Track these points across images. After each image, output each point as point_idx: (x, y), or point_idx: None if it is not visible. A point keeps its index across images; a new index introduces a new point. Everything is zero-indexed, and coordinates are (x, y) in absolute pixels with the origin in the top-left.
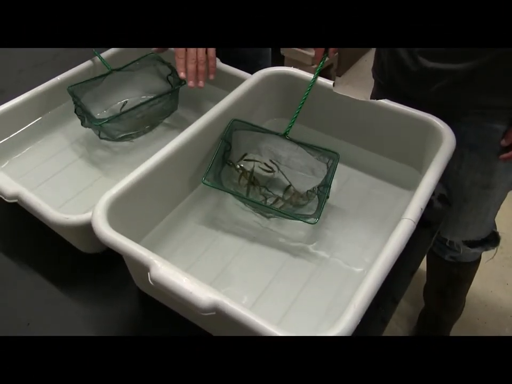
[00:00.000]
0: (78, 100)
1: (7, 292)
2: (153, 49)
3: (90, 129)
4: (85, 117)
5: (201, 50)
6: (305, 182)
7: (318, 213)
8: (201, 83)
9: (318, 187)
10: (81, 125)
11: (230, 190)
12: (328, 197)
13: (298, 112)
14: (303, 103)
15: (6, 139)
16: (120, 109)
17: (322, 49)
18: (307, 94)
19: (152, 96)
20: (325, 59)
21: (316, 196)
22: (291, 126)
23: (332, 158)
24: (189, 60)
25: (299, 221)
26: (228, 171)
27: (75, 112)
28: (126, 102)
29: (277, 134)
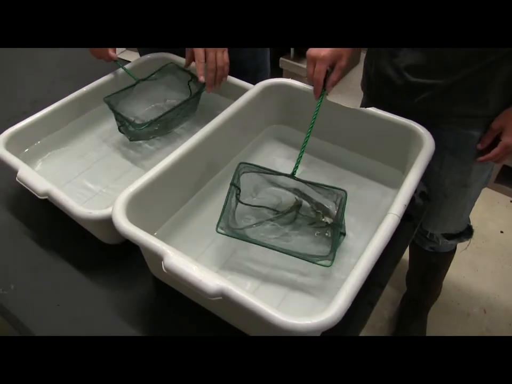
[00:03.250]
0: (113, 107)
1: (40, 277)
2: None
3: (110, 135)
4: (125, 122)
5: (220, 57)
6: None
7: (332, 255)
8: (217, 86)
9: (330, 225)
10: (119, 130)
11: (245, 238)
12: (344, 236)
13: (303, 150)
14: (310, 130)
15: (38, 142)
16: (151, 116)
17: (321, 84)
18: (314, 120)
19: (177, 102)
20: (323, 93)
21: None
22: (297, 166)
23: (340, 196)
24: (209, 68)
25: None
26: (241, 210)
27: (116, 119)
28: (154, 107)
29: (285, 175)
